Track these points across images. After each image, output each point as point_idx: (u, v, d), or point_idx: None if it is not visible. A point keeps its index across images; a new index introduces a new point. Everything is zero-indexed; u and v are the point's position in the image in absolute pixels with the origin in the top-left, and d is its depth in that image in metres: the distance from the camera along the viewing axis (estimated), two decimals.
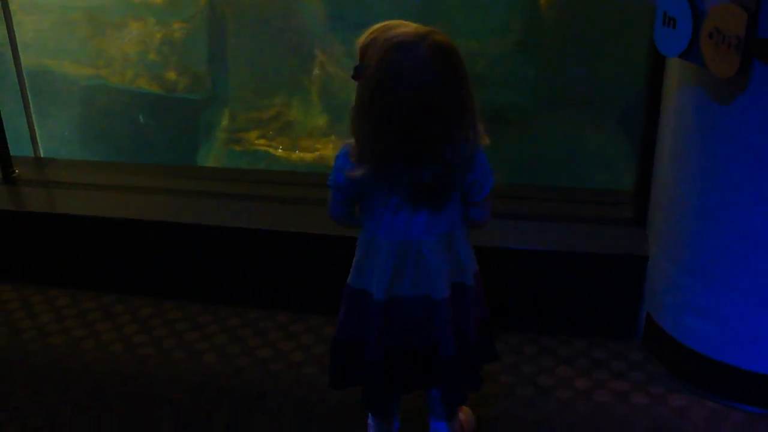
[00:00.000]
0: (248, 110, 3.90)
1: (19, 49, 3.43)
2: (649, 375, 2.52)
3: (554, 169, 3.37)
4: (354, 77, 1.76)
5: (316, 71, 3.80)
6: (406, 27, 1.73)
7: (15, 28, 3.39)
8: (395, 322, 1.93)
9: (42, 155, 3.58)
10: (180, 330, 2.82)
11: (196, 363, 2.65)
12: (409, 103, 1.69)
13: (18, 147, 3.41)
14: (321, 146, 3.79)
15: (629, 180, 2.83)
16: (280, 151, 3.83)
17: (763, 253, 2.20)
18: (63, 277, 3.10)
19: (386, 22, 1.76)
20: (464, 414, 2.28)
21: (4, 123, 3.20)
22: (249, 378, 2.57)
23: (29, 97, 3.51)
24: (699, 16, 2.05)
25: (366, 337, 1.96)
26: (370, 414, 2.18)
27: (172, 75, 3.90)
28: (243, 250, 2.89)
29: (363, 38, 1.77)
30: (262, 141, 3.86)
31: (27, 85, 3.49)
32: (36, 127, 3.56)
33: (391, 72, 1.68)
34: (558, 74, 3.51)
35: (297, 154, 3.81)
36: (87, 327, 2.86)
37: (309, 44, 3.77)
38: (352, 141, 1.81)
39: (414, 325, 1.94)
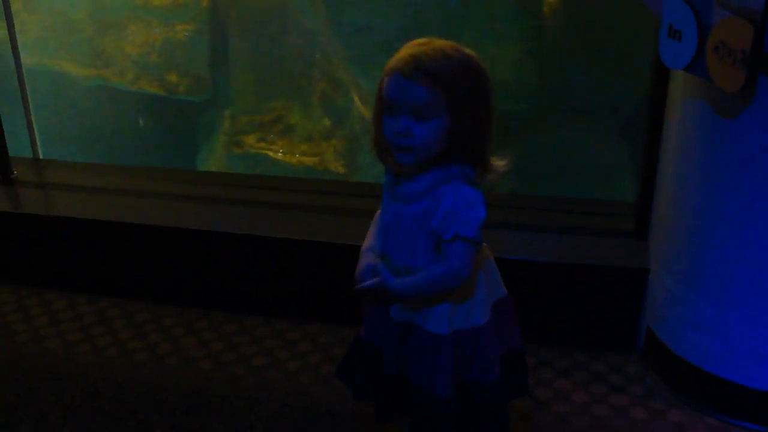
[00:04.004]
0: (249, 113, 3.89)
1: (20, 48, 3.41)
2: (648, 389, 2.50)
3: (555, 179, 3.34)
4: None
5: (317, 75, 3.79)
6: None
7: (16, 27, 3.37)
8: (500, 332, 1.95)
9: (41, 156, 3.56)
10: (176, 336, 2.80)
11: (191, 370, 2.63)
12: None
13: (17, 148, 3.39)
14: (321, 150, 3.77)
15: (631, 191, 2.80)
16: (280, 154, 3.81)
17: (765, 269, 2.18)
18: (59, 280, 3.08)
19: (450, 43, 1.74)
20: None
21: (2, 123, 3.17)
22: (244, 386, 2.54)
23: (29, 97, 3.49)
24: (705, 29, 2.03)
25: (479, 376, 1.90)
26: None
27: (173, 77, 3.88)
28: (241, 256, 2.87)
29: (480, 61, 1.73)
30: (262, 144, 3.85)
31: (27, 85, 3.47)
32: (35, 128, 3.54)
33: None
34: (560, 82, 3.49)
35: (297, 158, 3.79)
36: (82, 331, 2.84)
37: (310, 48, 3.76)
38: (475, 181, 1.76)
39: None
